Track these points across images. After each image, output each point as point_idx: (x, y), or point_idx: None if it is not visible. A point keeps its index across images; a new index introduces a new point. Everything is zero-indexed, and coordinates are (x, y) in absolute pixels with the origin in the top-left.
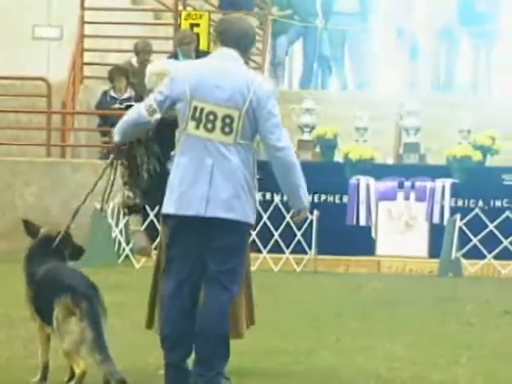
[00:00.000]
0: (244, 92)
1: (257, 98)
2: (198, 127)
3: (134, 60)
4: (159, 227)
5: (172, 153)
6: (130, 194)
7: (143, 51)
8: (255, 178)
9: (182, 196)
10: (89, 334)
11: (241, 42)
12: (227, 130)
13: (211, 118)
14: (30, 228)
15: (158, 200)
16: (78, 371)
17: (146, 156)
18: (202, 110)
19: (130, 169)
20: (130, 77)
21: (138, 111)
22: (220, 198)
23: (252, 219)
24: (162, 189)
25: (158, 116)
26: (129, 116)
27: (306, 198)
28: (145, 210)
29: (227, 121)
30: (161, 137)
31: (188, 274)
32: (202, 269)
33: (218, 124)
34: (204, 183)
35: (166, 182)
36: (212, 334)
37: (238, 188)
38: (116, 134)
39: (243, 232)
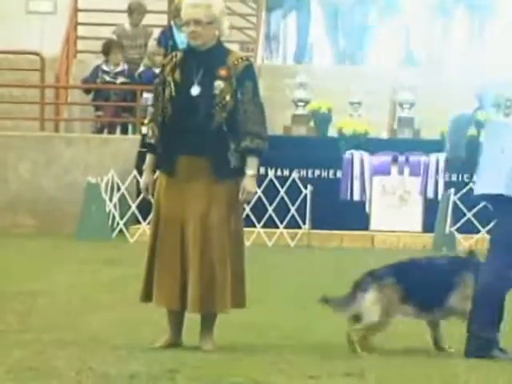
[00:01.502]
0: None
1: None
2: (497, 113)
3: (127, 25)
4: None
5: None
6: (150, 132)
7: (137, 11)
8: None
9: (481, 177)
10: None
11: None
12: (507, 111)
13: (508, 104)
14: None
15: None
16: None
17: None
18: (501, 97)
19: (155, 97)
20: (124, 41)
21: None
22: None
23: None
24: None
25: None
26: None
27: None
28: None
29: (508, 104)
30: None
31: None
32: None
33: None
34: (496, 164)
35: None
36: None
37: None
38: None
39: None
